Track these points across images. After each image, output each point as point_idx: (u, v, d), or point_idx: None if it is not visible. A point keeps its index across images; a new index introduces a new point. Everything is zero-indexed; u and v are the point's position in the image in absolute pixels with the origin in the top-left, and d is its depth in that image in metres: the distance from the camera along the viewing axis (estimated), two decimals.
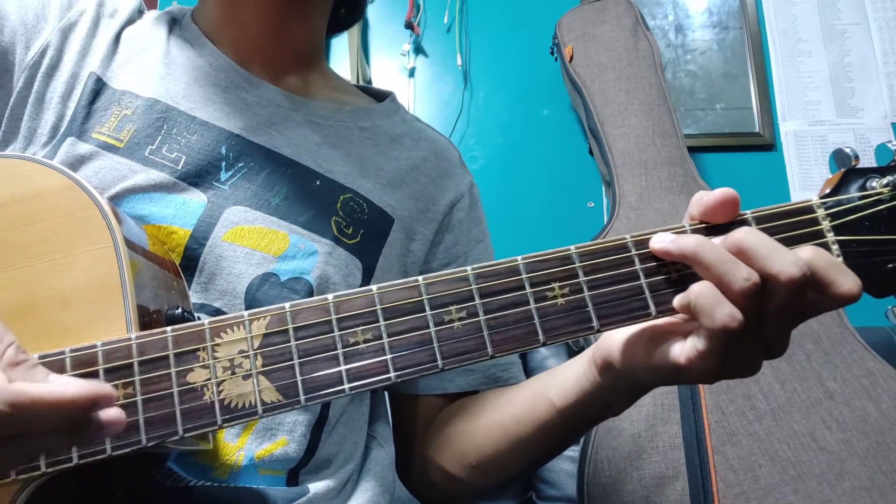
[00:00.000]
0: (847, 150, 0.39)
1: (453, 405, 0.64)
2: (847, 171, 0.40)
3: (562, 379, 0.49)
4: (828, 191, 0.40)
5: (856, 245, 0.38)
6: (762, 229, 0.38)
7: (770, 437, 0.92)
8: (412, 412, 0.65)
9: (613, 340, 0.43)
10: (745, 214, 0.39)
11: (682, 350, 0.37)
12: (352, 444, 0.58)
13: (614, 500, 0.90)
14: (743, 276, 0.35)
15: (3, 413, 0.27)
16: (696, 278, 0.37)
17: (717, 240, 0.37)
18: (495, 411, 0.57)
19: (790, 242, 0.38)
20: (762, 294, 0.35)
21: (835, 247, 0.38)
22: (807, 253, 0.36)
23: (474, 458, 0.57)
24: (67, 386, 0.29)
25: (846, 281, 0.36)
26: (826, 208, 0.39)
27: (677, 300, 0.37)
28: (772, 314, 0.36)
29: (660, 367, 0.39)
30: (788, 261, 0.35)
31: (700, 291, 0.36)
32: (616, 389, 0.44)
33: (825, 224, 0.39)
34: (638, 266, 0.38)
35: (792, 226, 0.39)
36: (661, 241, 0.38)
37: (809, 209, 0.39)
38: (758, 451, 0.91)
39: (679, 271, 0.38)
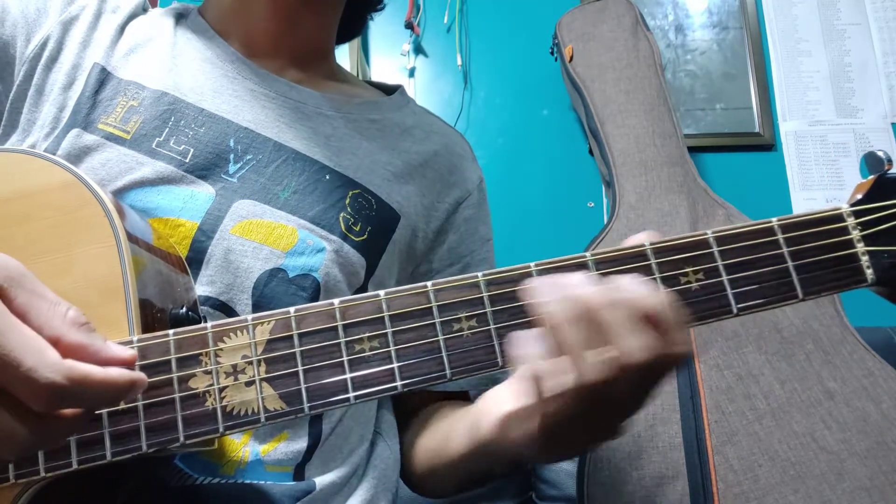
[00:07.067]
0: (880, 154, 0.37)
1: (434, 406, 0.64)
2: (879, 176, 0.38)
3: (486, 417, 0.45)
4: (859, 196, 0.38)
5: (886, 256, 0.37)
6: (788, 239, 0.37)
7: (770, 437, 0.92)
8: (401, 400, 0.66)
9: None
10: (771, 222, 0.38)
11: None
12: (358, 436, 0.58)
13: (614, 499, 0.89)
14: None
15: (61, 385, 0.28)
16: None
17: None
18: (439, 433, 0.58)
19: (819, 253, 0.36)
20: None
21: (864, 258, 0.37)
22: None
23: (424, 467, 0.59)
24: (112, 370, 0.30)
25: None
26: (856, 216, 0.38)
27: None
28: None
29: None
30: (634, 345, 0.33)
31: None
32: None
33: (855, 234, 0.37)
34: (657, 274, 0.37)
35: (820, 235, 0.37)
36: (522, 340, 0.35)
37: (839, 217, 0.38)
38: (758, 451, 0.91)
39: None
